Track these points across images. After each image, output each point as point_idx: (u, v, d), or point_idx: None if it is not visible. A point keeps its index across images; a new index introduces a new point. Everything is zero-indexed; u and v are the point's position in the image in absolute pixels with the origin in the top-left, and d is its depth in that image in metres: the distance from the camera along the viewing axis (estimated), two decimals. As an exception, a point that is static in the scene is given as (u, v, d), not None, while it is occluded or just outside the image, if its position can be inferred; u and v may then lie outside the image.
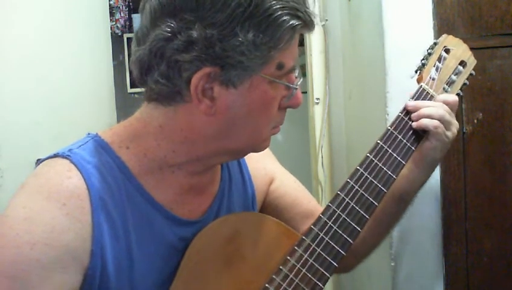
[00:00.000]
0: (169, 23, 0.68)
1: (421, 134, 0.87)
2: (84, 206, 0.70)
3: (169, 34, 0.68)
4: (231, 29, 0.66)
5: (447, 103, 0.88)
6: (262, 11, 0.67)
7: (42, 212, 0.68)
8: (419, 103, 0.88)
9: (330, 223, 0.80)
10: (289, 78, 0.74)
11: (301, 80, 0.77)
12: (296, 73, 0.76)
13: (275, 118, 0.76)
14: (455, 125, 0.88)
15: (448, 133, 0.87)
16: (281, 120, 0.78)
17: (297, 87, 0.75)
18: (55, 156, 0.74)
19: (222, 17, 0.66)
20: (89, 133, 0.79)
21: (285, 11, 0.68)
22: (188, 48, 0.67)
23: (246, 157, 0.91)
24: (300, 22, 0.69)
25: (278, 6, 0.67)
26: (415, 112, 0.87)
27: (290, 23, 0.68)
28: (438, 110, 0.86)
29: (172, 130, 0.74)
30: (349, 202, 0.81)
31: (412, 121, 0.87)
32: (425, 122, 0.86)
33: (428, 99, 0.90)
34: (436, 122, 0.85)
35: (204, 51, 0.67)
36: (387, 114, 1.09)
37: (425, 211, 1.10)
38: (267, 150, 0.97)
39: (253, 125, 0.74)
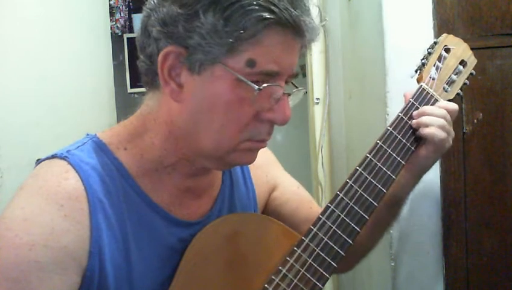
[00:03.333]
0: (151, 1, 0.71)
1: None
2: (82, 208, 0.70)
3: (149, 10, 0.71)
4: (195, 10, 0.67)
5: (448, 111, 0.87)
6: None
7: (41, 213, 0.67)
8: (424, 109, 0.87)
9: (329, 223, 0.79)
10: (268, 83, 0.69)
11: (287, 94, 0.72)
12: (286, 89, 0.71)
13: (248, 124, 0.71)
14: (452, 135, 0.88)
15: (447, 145, 0.87)
16: (262, 132, 0.73)
17: (261, 89, 0.68)
18: (53, 157, 0.73)
19: None
20: (87, 134, 0.79)
21: (255, 2, 0.66)
22: (159, 24, 0.69)
23: None
24: (272, 17, 0.66)
25: None
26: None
27: (258, 14, 0.65)
28: (438, 121, 0.86)
29: (160, 124, 0.75)
30: (348, 202, 0.81)
31: (412, 121, 0.87)
32: (431, 132, 0.85)
33: (428, 99, 0.89)
34: (443, 135, 0.85)
35: (170, 29, 0.68)
36: (387, 114, 1.09)
37: (425, 211, 1.10)
38: (272, 156, 0.97)
39: (218, 123, 0.70)
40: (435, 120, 0.85)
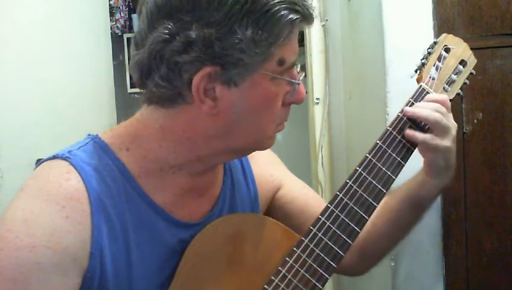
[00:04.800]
0: (166, 25, 0.67)
1: None
2: (83, 209, 0.70)
3: (167, 36, 0.67)
4: (229, 27, 0.66)
5: (439, 103, 0.86)
6: (259, 7, 0.66)
7: (42, 214, 0.67)
8: (417, 104, 0.87)
9: (328, 223, 0.79)
10: (291, 74, 0.73)
11: (303, 74, 0.77)
12: (298, 68, 0.75)
13: (279, 114, 0.75)
14: (453, 127, 0.86)
15: (445, 141, 0.84)
16: (286, 116, 0.77)
17: (299, 82, 0.74)
18: (55, 157, 0.73)
19: (219, 15, 0.66)
20: (89, 134, 0.79)
21: (283, 6, 0.67)
22: (187, 48, 0.67)
23: (251, 162, 0.91)
24: (298, 16, 0.69)
25: (276, 1, 0.67)
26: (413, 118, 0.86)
27: (289, 17, 0.67)
28: (431, 105, 0.85)
29: (174, 131, 0.74)
30: (348, 202, 0.81)
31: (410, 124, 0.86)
32: (425, 113, 0.83)
33: (427, 99, 0.89)
34: (438, 115, 0.83)
35: (203, 51, 0.67)
36: (387, 114, 1.09)
37: (426, 211, 1.10)
38: (275, 156, 0.97)
39: (257, 123, 0.74)
40: (427, 104, 0.85)
